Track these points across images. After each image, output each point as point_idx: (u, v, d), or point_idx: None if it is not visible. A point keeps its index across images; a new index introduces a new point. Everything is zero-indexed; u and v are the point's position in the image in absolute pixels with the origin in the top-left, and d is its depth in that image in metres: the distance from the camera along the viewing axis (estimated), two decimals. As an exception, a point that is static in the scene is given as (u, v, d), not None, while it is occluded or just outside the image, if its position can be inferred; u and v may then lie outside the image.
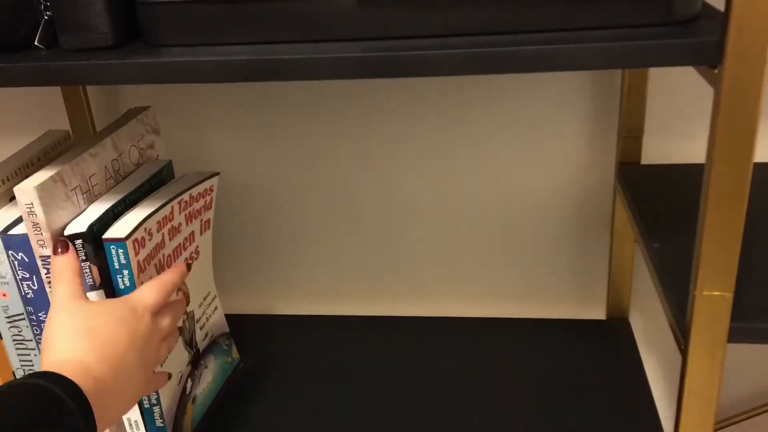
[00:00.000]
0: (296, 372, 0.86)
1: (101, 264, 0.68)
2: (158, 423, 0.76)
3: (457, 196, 0.92)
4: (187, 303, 0.75)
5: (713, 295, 0.54)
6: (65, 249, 0.63)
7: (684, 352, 0.56)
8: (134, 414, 0.75)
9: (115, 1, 0.57)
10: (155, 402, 0.75)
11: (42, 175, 0.66)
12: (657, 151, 0.86)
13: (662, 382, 0.98)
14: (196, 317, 0.78)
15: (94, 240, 0.67)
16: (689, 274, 0.55)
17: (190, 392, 0.77)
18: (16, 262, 0.68)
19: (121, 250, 0.67)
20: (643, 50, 0.48)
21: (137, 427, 0.76)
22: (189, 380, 0.77)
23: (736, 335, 0.55)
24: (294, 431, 0.78)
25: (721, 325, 0.55)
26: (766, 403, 0.97)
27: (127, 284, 0.68)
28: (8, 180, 0.73)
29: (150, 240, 0.68)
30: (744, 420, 0.98)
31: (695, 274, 0.54)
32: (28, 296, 0.70)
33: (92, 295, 0.69)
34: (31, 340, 0.73)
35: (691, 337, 0.55)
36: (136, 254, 0.66)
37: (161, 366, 0.70)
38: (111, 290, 0.69)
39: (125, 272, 0.68)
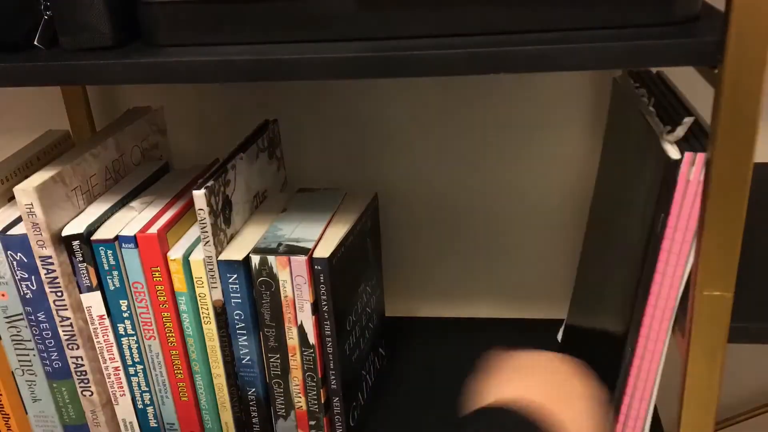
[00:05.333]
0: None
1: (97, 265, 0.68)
2: (152, 423, 0.76)
3: (456, 195, 0.92)
4: None
5: (713, 295, 0.54)
6: None
7: (684, 352, 0.56)
8: (129, 414, 0.75)
9: (115, 1, 0.57)
10: (149, 402, 0.75)
11: (42, 176, 0.66)
12: (657, 151, 0.86)
13: (662, 382, 0.98)
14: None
15: (89, 241, 0.67)
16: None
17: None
18: (15, 263, 0.68)
19: (110, 251, 0.67)
20: (643, 50, 0.48)
21: (132, 428, 0.76)
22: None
23: (736, 335, 0.55)
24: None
25: (721, 325, 0.55)
26: (766, 404, 0.97)
27: (117, 285, 0.69)
28: (8, 180, 0.73)
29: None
30: (744, 420, 0.98)
31: (695, 274, 0.54)
32: (27, 297, 0.69)
33: (89, 297, 0.69)
34: (29, 341, 0.73)
35: (691, 337, 0.55)
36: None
37: None
38: (104, 291, 0.69)
39: (115, 273, 0.68)
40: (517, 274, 0.95)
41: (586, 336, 0.74)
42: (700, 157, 0.51)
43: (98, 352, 0.72)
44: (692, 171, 0.52)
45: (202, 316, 0.70)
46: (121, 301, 0.69)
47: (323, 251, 0.66)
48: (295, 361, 0.70)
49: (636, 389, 0.61)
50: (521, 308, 0.98)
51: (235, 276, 0.67)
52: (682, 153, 0.52)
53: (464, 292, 0.98)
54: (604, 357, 0.65)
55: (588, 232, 0.78)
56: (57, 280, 0.68)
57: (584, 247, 0.79)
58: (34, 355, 0.73)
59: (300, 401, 0.72)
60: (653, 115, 0.60)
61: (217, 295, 0.68)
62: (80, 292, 0.69)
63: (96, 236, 0.67)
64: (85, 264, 0.68)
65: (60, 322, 0.70)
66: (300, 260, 0.65)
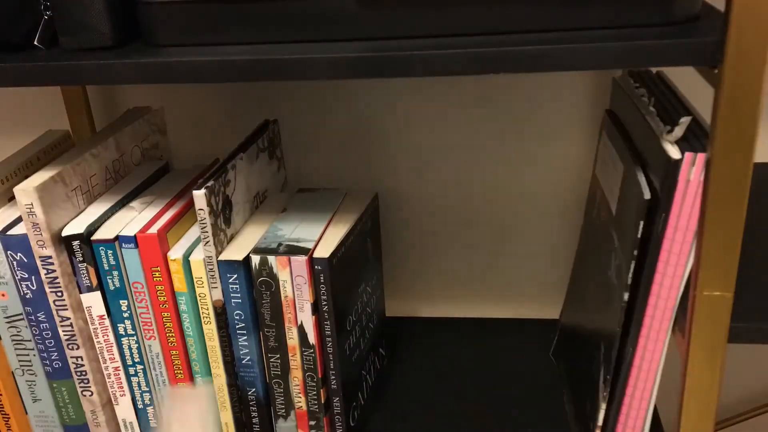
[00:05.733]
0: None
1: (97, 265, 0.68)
2: (152, 423, 0.76)
3: (456, 195, 0.92)
4: None
5: (713, 295, 0.54)
6: None
7: (684, 352, 0.56)
8: (129, 414, 0.75)
9: (115, 1, 0.57)
10: (149, 402, 0.75)
11: (42, 176, 0.66)
12: (657, 151, 0.86)
13: (662, 382, 0.98)
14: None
15: (89, 241, 0.67)
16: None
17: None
18: (15, 263, 0.68)
19: (110, 251, 0.67)
20: (643, 50, 0.48)
21: (132, 428, 0.76)
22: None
23: (736, 335, 0.55)
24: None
25: (721, 325, 0.55)
26: (766, 404, 0.97)
27: (117, 285, 0.69)
28: (8, 180, 0.73)
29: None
30: (744, 420, 0.98)
31: (695, 274, 0.54)
32: (27, 297, 0.70)
33: (89, 297, 0.69)
34: (30, 341, 0.73)
35: (691, 337, 0.55)
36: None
37: None
38: (104, 291, 0.69)
39: (115, 273, 0.68)
40: (516, 273, 0.95)
41: (584, 336, 0.74)
42: (701, 157, 0.51)
43: (98, 352, 0.72)
44: (692, 171, 0.52)
45: (202, 316, 0.70)
46: (121, 301, 0.69)
47: (323, 251, 0.66)
48: (295, 361, 0.70)
49: (636, 389, 0.61)
50: (521, 308, 0.98)
51: (235, 276, 0.67)
52: (682, 153, 0.52)
53: (464, 292, 0.98)
54: (602, 357, 0.65)
55: (583, 231, 0.78)
56: (57, 280, 0.68)
57: (579, 246, 0.79)
58: (34, 355, 0.73)
59: (300, 401, 0.72)
60: (653, 115, 0.60)
61: (217, 295, 0.68)
62: (80, 292, 0.69)
63: (96, 236, 0.67)
64: (85, 264, 0.68)
65: (60, 322, 0.70)
66: (300, 260, 0.65)
